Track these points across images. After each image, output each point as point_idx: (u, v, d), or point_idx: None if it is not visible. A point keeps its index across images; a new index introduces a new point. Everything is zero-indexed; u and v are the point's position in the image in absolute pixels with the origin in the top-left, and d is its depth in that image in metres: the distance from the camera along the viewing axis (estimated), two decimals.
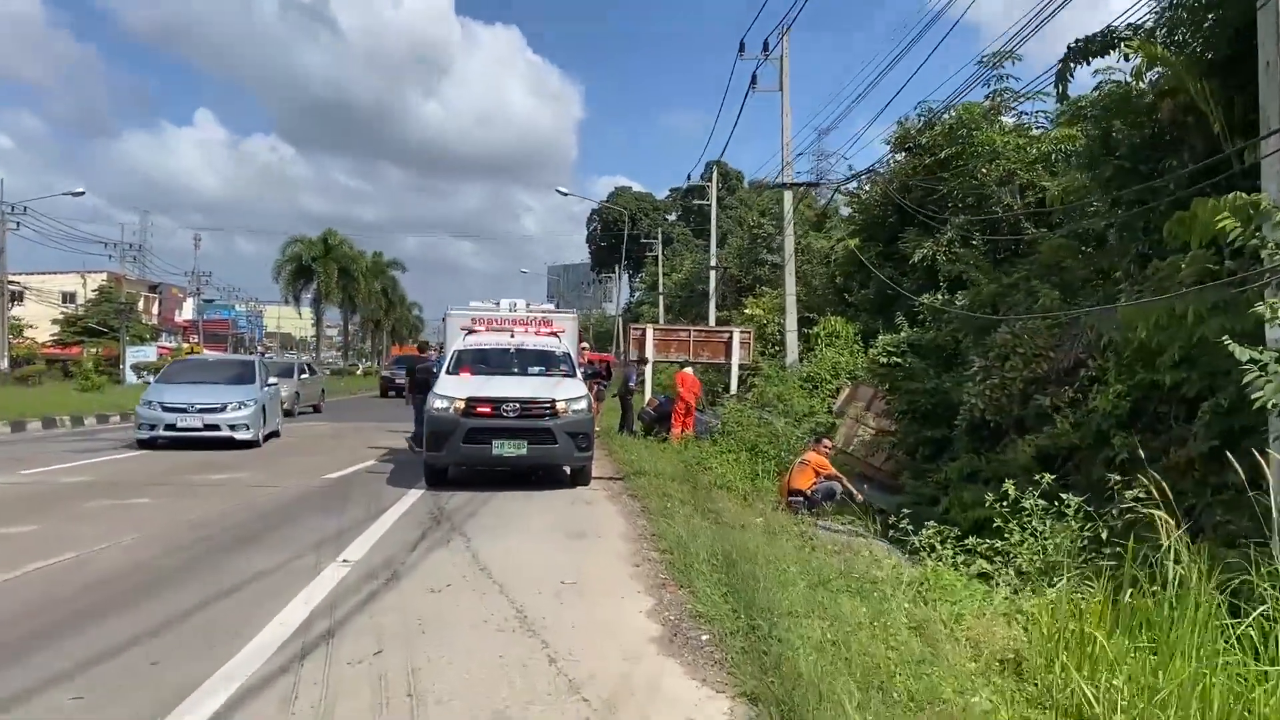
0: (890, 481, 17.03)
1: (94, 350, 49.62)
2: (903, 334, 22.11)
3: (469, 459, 12.18)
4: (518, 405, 11.92)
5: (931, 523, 8.70)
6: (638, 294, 66.08)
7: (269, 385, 18.79)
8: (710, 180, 40.28)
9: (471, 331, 14.50)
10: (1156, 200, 13.98)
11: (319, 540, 8.71)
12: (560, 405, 12.08)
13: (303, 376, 30.32)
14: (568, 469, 12.70)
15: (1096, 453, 12.46)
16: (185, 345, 59.93)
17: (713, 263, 38.79)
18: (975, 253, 23.16)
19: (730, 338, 21.26)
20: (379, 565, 7.68)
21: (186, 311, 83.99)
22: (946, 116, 24.88)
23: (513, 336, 14.30)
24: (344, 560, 7.85)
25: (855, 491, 12.09)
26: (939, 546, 8.23)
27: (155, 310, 79.93)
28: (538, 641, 5.57)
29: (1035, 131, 24.49)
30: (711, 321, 34.21)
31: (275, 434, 19.56)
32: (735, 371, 21.32)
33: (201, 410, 16.86)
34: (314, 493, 11.98)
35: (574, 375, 13.44)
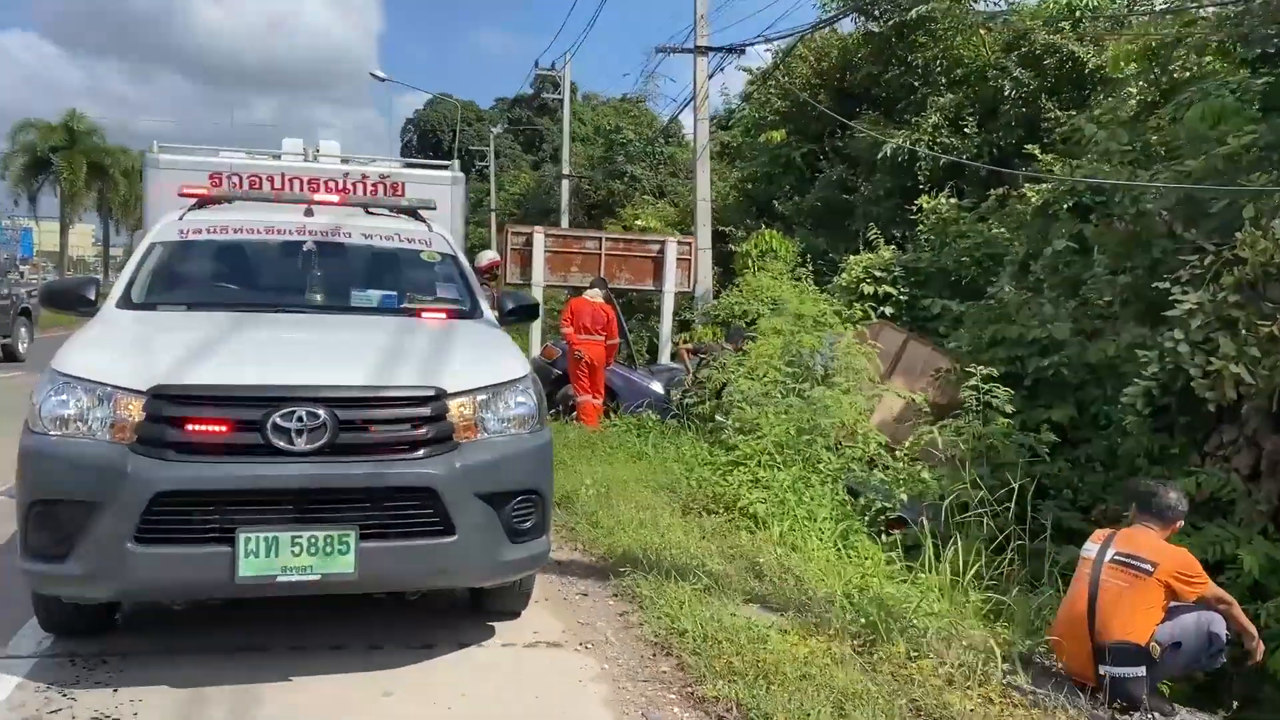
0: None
1: None
2: (885, 254, 14.62)
3: (160, 584, 3.61)
4: (322, 413, 3.53)
5: None
6: None
7: None
8: (561, 71, 31.48)
9: (208, 203, 5.42)
10: None
11: None
12: (458, 407, 3.77)
13: None
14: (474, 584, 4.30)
15: None
16: None
17: (565, 169, 30.25)
18: (972, 142, 15.94)
19: (662, 250, 12.99)
20: None
21: None
22: None
23: (310, 215, 5.34)
24: None
25: (1254, 633, 4.38)
26: None
27: None
28: None
29: None
30: None
31: None
32: (669, 302, 13.08)
33: None
34: None
35: (478, 312, 5.02)
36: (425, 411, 3.68)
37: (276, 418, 3.47)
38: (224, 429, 3.50)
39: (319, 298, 4.91)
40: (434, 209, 5.70)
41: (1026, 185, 11.80)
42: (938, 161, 15.93)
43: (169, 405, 3.50)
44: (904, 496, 7.02)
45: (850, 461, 7.38)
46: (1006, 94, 15.61)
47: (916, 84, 17.01)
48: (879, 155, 16.04)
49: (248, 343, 3.99)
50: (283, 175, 6.48)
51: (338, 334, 4.37)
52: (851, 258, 14.86)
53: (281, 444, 3.47)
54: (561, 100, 34.42)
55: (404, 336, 4.25)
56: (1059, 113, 14.67)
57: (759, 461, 7.01)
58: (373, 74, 39.96)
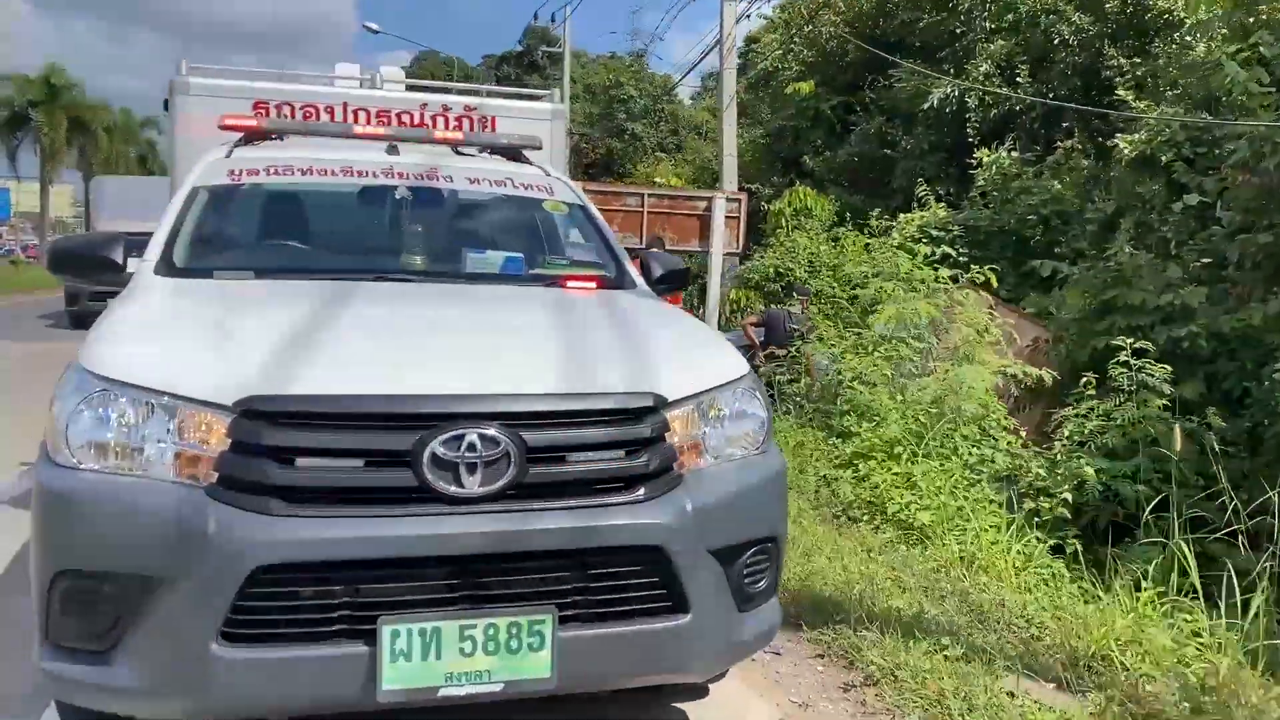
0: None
1: None
2: (940, 212, 13.49)
3: (260, 703, 2.19)
4: (502, 436, 2.27)
5: None
6: None
7: None
8: (559, 25, 29.86)
9: (258, 138, 4.02)
10: None
11: None
12: (679, 421, 2.53)
13: None
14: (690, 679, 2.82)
15: None
16: None
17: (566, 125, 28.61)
18: (1025, 92, 14.70)
19: (709, 206, 11.67)
20: None
21: None
22: None
23: (395, 153, 4.00)
24: None
25: None
26: None
27: None
28: None
29: None
30: None
31: None
32: (718, 264, 11.79)
33: None
34: None
35: (628, 280, 3.59)
36: (644, 430, 2.44)
37: (436, 445, 2.23)
38: (357, 464, 2.28)
39: (419, 261, 3.62)
40: (539, 148, 4.44)
41: (1119, 135, 10.61)
42: (988, 113, 14.76)
43: (270, 428, 2.22)
44: (1068, 496, 5.91)
45: (995, 451, 6.23)
46: (1062, 40, 14.40)
47: (959, 30, 15.73)
48: (925, 106, 14.83)
49: (365, 328, 2.70)
50: (345, 105, 5.18)
51: (480, 315, 3.02)
52: (902, 216, 13.71)
53: (445, 486, 2.24)
54: (553, 55, 32.72)
55: (566, 317, 3.01)
56: (1122, 60, 13.51)
57: (893, 454, 5.86)
58: (365, 26, 37.84)
